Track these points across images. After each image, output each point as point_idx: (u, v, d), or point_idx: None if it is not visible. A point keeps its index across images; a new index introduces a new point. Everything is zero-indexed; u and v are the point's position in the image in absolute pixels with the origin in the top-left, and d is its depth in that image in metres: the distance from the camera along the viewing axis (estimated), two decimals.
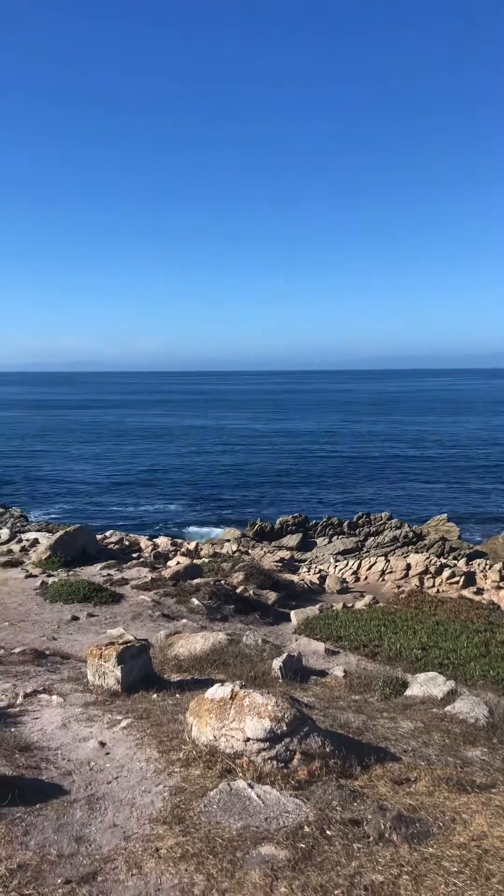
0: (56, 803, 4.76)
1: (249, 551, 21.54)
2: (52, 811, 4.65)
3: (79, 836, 4.38)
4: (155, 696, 7.21)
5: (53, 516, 41.00)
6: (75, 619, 11.91)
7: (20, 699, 7.26)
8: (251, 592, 14.17)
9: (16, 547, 17.51)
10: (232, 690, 5.56)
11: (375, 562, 19.71)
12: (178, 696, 7.19)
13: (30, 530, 26.23)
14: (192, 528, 39.34)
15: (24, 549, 17.00)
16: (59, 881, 3.88)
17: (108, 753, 5.63)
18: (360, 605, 14.32)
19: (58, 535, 16.18)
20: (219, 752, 5.33)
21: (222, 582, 14.42)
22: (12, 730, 6.20)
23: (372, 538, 34.57)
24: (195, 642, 9.54)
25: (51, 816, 4.58)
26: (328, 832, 4.31)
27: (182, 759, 5.35)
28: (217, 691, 5.64)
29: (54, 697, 7.27)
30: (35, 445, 77.25)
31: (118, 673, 7.40)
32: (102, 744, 5.82)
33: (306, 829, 4.34)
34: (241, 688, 5.62)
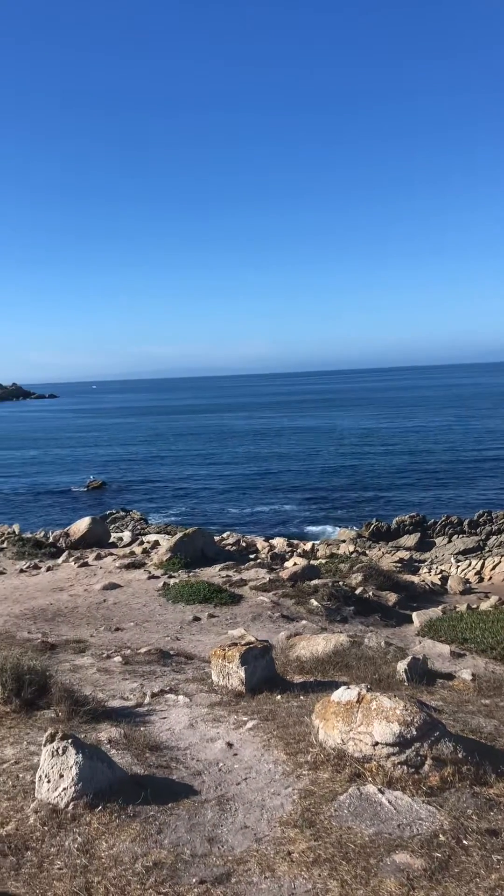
0: (187, 803, 4.82)
1: (367, 552, 21.29)
2: (184, 811, 4.70)
3: (211, 836, 4.41)
4: (279, 697, 7.20)
5: (172, 518, 41.90)
6: (197, 619, 12.10)
7: (147, 699, 7.42)
8: (370, 594, 13.98)
9: (138, 549, 17.98)
10: (358, 693, 5.47)
11: (500, 561, 19.07)
12: (302, 697, 7.16)
13: (150, 532, 26.91)
14: (307, 529, 39.29)
15: (145, 551, 17.43)
16: (194, 881, 3.91)
17: (235, 754, 5.66)
18: (485, 606, 13.87)
19: (177, 537, 16.49)
20: (347, 755, 5.26)
21: (340, 583, 14.30)
22: (142, 729, 6.33)
23: (494, 537, 33.49)
24: (316, 644, 9.49)
25: (183, 816, 4.64)
26: (465, 842, 4.17)
27: (310, 762, 5.31)
28: (343, 694, 5.57)
29: (180, 697, 7.38)
30: (152, 450, 79.21)
31: (242, 674, 7.44)
32: (230, 745, 5.85)
33: (441, 837, 4.22)
34: (367, 691, 5.53)
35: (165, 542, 17.20)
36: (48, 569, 15.73)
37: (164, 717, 6.73)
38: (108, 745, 5.65)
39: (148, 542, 19.10)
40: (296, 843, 4.24)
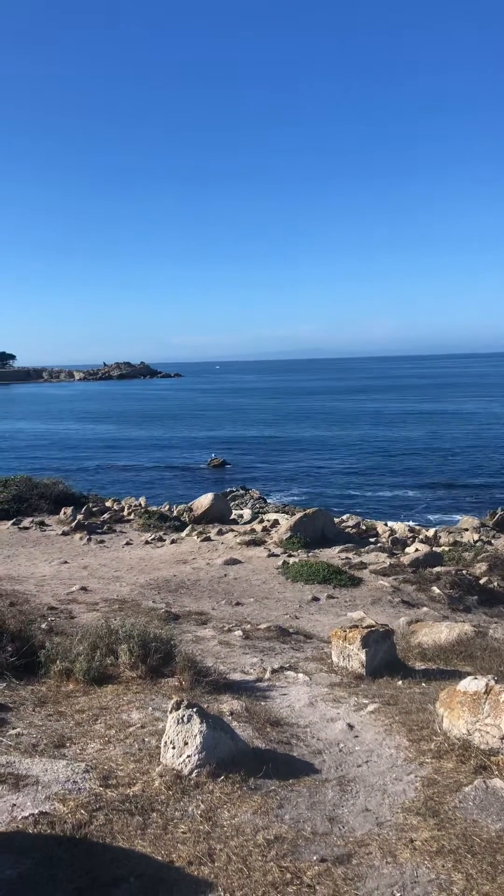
0: (308, 781, 4.81)
1: (492, 541, 20.63)
2: (305, 788, 4.70)
3: (331, 816, 4.39)
4: (400, 682, 7.09)
5: (290, 499, 42.04)
6: (315, 599, 12.09)
7: (268, 674, 7.47)
8: (496, 584, 13.54)
9: (258, 527, 18.15)
10: (486, 684, 5.29)
11: None
12: (423, 684, 7.02)
13: (268, 511, 27.10)
14: (429, 515, 38.50)
15: (265, 529, 17.57)
16: (315, 858, 3.90)
17: (356, 737, 5.61)
18: None
19: (297, 516, 16.52)
20: (472, 746, 5.10)
21: (464, 572, 13.92)
22: (262, 703, 6.38)
23: None
24: (439, 631, 9.28)
25: (303, 793, 4.64)
26: None
27: (433, 751, 5.19)
28: (470, 684, 5.41)
29: (300, 675, 7.40)
30: (272, 430, 79.65)
31: (363, 656, 7.37)
32: (350, 726, 5.81)
33: None
34: (495, 682, 5.34)
35: (285, 521, 17.26)
36: (172, 541, 16.13)
37: (284, 694, 6.76)
38: (230, 717, 5.73)
39: (268, 521, 19.24)
40: (418, 831, 4.16)
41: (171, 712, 4.90)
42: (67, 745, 5.19)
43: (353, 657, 7.49)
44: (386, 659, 7.61)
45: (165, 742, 4.82)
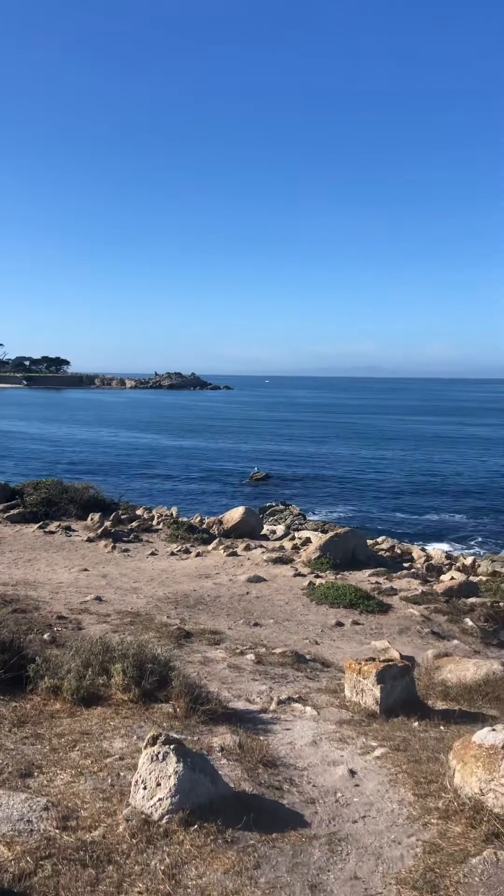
0: (293, 836, 4.27)
1: None
2: (289, 846, 4.16)
3: (314, 882, 3.84)
4: (416, 724, 6.48)
5: (333, 516, 41.27)
6: (339, 624, 11.49)
7: (273, 705, 6.94)
8: None
9: (288, 544, 17.58)
10: None
11: None
12: (441, 728, 6.40)
13: (306, 528, 26.47)
14: (469, 542, 37.41)
15: (295, 547, 17.00)
16: None
17: (357, 785, 5.04)
18: None
19: (328, 536, 15.91)
20: (485, 809, 4.50)
21: (501, 604, 13.16)
22: (261, 738, 5.86)
23: None
24: (465, 668, 8.61)
25: (286, 852, 4.09)
26: None
27: (440, 810, 4.60)
28: (487, 736, 4.81)
29: (308, 709, 6.84)
30: (318, 447, 78.82)
31: (377, 693, 6.79)
32: (352, 772, 5.24)
33: None
34: None
35: (317, 539, 16.67)
36: (197, 554, 15.66)
37: (288, 729, 6.23)
38: (220, 754, 5.22)
39: (299, 539, 18.66)
40: None
41: (145, 747, 4.41)
42: (35, 774, 4.73)
43: (367, 693, 6.90)
44: (403, 696, 7.01)
45: (136, 781, 4.33)
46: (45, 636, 8.46)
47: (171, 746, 4.35)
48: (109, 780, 4.67)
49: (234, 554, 15.66)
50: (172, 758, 4.29)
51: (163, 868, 3.76)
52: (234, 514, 19.27)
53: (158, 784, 4.23)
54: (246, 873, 3.81)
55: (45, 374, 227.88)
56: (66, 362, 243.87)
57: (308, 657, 9.29)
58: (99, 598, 11.40)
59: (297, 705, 6.98)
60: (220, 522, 19.16)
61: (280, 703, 7.02)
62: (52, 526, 17.50)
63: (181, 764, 4.27)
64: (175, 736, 4.62)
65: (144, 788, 4.25)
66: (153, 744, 4.38)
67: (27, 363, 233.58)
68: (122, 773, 4.76)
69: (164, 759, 4.29)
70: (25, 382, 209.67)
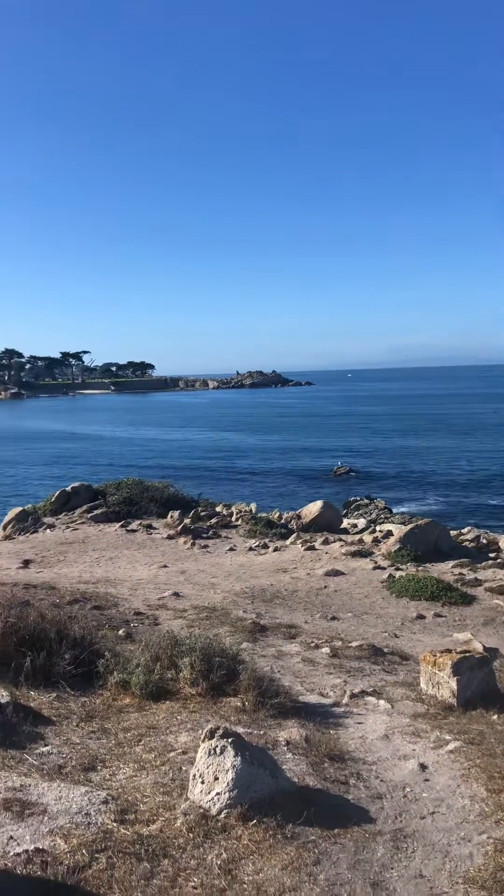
0: (357, 832, 4.13)
1: None
2: (351, 842, 4.02)
3: (377, 880, 3.70)
4: (494, 717, 6.22)
5: (420, 509, 40.52)
6: (421, 617, 11.19)
7: (346, 698, 6.79)
8: None
9: (368, 537, 17.30)
10: None
11: None
12: None
13: (391, 521, 26.04)
14: None
15: (375, 540, 16.70)
16: None
17: (427, 780, 4.86)
18: None
19: (409, 527, 15.58)
20: None
21: None
22: (331, 732, 5.73)
23: None
24: None
25: (348, 848, 3.96)
26: None
27: None
28: None
29: (381, 702, 6.66)
30: (404, 440, 77.53)
31: (453, 685, 6.55)
32: (423, 767, 5.06)
33: None
34: None
35: (397, 531, 16.34)
36: (275, 549, 15.59)
37: (360, 723, 6.07)
38: (286, 748, 5.12)
39: (380, 531, 18.33)
40: None
41: (203, 741, 4.35)
42: (98, 768, 4.74)
43: (444, 685, 6.67)
44: (482, 688, 6.75)
45: (194, 775, 4.27)
46: (121, 632, 8.54)
47: (229, 740, 4.28)
48: (171, 775, 4.63)
49: (312, 548, 15.51)
50: (230, 751, 4.22)
51: (219, 863, 3.69)
52: (313, 508, 19.11)
53: (216, 778, 4.16)
54: (305, 869, 3.70)
55: (131, 378, 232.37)
56: (151, 366, 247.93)
57: (386, 650, 9.07)
58: (176, 594, 11.46)
59: (371, 699, 6.80)
60: (299, 517, 19.04)
61: (353, 696, 6.86)
62: (134, 524, 17.77)
63: (239, 758, 4.19)
64: (234, 729, 4.54)
65: (202, 783, 4.20)
66: (210, 737, 4.32)
67: (114, 369, 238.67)
68: (183, 768, 4.72)
69: (221, 752, 4.23)
70: (113, 388, 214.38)
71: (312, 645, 8.96)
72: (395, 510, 39.63)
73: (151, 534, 17.16)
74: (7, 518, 19.21)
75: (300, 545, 15.76)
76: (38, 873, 3.42)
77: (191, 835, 3.91)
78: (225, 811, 4.05)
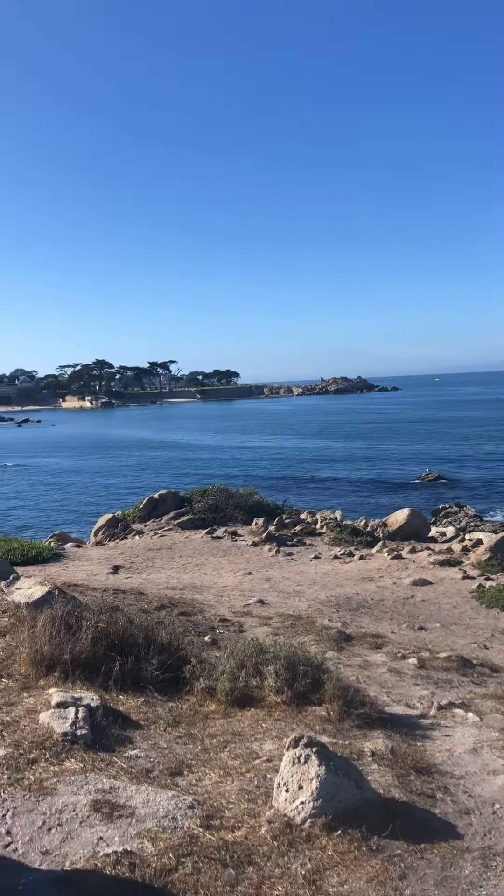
0: (444, 848, 4.05)
1: None
2: (438, 857, 3.95)
3: None
4: None
5: None
6: None
7: (433, 710, 6.67)
8: None
9: (457, 546, 16.97)
10: None
11: None
12: None
13: (481, 530, 25.46)
14: None
15: (465, 549, 16.37)
16: None
17: None
18: None
19: (500, 535, 15.22)
20: None
21: None
22: (417, 744, 5.64)
23: None
24: None
25: (435, 863, 3.89)
26: None
27: None
28: None
29: (470, 715, 6.52)
30: (493, 445, 75.66)
31: None
32: None
33: None
34: None
35: (488, 540, 15.97)
36: (361, 557, 15.48)
37: (447, 736, 5.96)
38: (370, 759, 5.08)
39: (469, 540, 17.94)
40: None
41: (287, 749, 4.36)
42: (184, 773, 4.80)
43: None
44: None
45: (279, 783, 4.29)
46: (207, 638, 8.65)
47: (314, 749, 4.28)
48: (256, 782, 4.66)
49: (399, 557, 15.32)
50: (314, 760, 4.21)
51: (303, 873, 3.69)
52: (399, 516, 18.88)
53: (300, 787, 4.16)
54: (390, 883, 3.66)
55: (217, 387, 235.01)
56: (236, 374, 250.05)
57: (475, 662, 8.88)
58: (261, 601, 11.52)
59: (459, 711, 6.67)
60: (385, 525, 18.84)
61: (440, 708, 6.74)
62: (219, 531, 17.97)
63: (323, 767, 4.18)
64: (318, 739, 4.54)
65: (286, 791, 4.20)
66: (295, 746, 4.33)
67: (200, 377, 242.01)
68: (268, 776, 4.73)
69: (305, 761, 4.23)
70: (198, 396, 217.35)
71: (399, 655, 8.85)
72: (485, 518, 38.67)
73: (236, 541, 17.30)
74: (98, 524, 19.74)
75: (386, 553, 15.60)
76: (127, 874, 3.50)
77: (275, 843, 3.92)
78: (309, 820, 4.05)
